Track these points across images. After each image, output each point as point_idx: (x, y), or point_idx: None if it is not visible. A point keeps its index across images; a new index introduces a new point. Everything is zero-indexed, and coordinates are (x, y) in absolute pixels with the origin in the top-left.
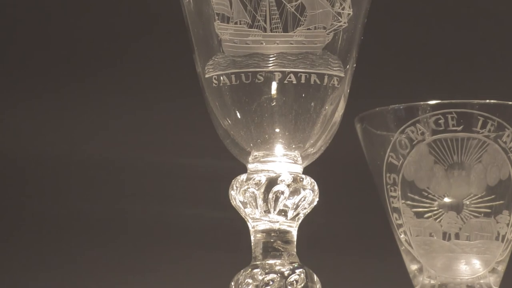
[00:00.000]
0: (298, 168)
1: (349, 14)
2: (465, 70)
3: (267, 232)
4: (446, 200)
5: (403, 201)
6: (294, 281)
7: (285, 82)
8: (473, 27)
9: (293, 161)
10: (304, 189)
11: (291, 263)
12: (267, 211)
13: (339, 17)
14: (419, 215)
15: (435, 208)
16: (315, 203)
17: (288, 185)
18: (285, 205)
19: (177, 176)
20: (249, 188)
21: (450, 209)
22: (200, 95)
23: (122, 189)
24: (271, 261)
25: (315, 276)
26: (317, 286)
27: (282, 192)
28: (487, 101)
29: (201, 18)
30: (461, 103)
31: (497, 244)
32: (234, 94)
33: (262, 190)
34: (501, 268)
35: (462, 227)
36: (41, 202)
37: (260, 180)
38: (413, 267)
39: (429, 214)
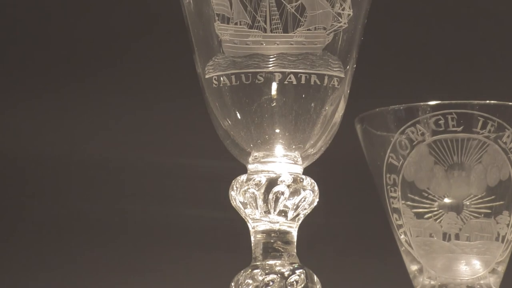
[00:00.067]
0: (298, 169)
1: (349, 14)
2: (465, 70)
3: (267, 232)
4: (446, 200)
5: (403, 202)
6: (294, 282)
7: (285, 82)
8: (473, 27)
9: (293, 162)
10: (304, 189)
11: (291, 263)
12: (267, 212)
13: (339, 18)
14: (419, 215)
15: (435, 209)
16: (315, 203)
17: (288, 186)
18: (285, 206)
19: (177, 177)
20: (249, 188)
21: (450, 209)
22: (200, 96)
23: (122, 189)
24: (271, 262)
25: (315, 276)
26: (317, 287)
27: (282, 193)
28: (487, 101)
29: (201, 19)
30: (461, 103)
31: (497, 245)
32: (234, 95)
33: (262, 190)
34: (501, 268)
35: (462, 228)
36: (41, 202)
37: (260, 181)
38: (413, 267)
39: (429, 214)
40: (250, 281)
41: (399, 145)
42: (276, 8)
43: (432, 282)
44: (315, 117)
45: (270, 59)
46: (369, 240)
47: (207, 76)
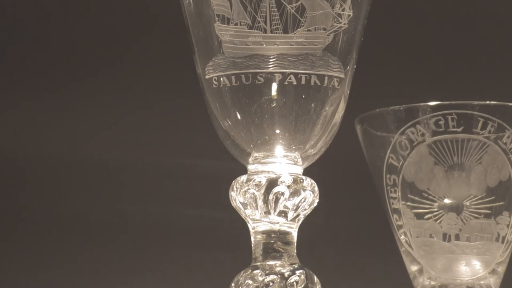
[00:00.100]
0: (298, 169)
1: (349, 15)
2: (465, 70)
3: (267, 233)
4: (446, 201)
5: (403, 202)
6: (294, 282)
7: (285, 83)
8: (473, 27)
9: (293, 162)
10: (304, 190)
11: (291, 264)
12: (267, 212)
13: (339, 18)
14: (419, 216)
15: (435, 209)
16: (315, 204)
17: (288, 186)
18: (285, 206)
19: (177, 177)
20: (249, 189)
21: (450, 210)
22: (200, 96)
23: (122, 189)
24: (271, 262)
25: (315, 277)
26: (317, 287)
27: (282, 193)
28: (487, 102)
29: (201, 19)
30: (461, 104)
31: (497, 245)
32: (234, 95)
33: (262, 191)
34: (501, 269)
35: (462, 228)
36: (41, 202)
37: (260, 181)
38: (413, 268)
39: (429, 215)
40: (250, 282)
41: (399, 146)
42: (276, 9)
43: (432, 283)
44: (315, 117)
45: (270, 60)
46: (369, 241)
47: (207, 77)
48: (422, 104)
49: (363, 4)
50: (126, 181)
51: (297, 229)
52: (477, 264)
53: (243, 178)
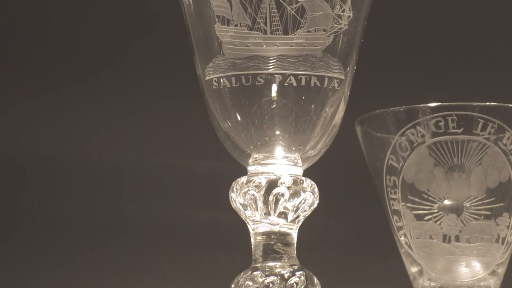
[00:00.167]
0: (298, 171)
1: (349, 16)
2: (465, 71)
3: (267, 234)
4: (446, 202)
5: (403, 204)
6: (294, 284)
7: (285, 84)
8: (473, 27)
9: (293, 164)
10: (304, 191)
11: (291, 265)
12: (267, 214)
13: (339, 20)
14: (419, 217)
15: (435, 211)
16: (315, 205)
17: (288, 188)
18: (285, 208)
19: (177, 178)
20: (249, 190)
21: (450, 211)
22: (200, 96)
23: (122, 189)
24: (271, 264)
25: (315, 278)
26: None
27: (282, 195)
28: (487, 103)
29: (201, 21)
30: (461, 105)
31: (497, 247)
32: (234, 97)
33: (262, 192)
34: (501, 270)
35: (462, 230)
36: (41, 202)
37: (260, 183)
38: (413, 269)
39: (429, 216)
40: (250, 283)
41: (399, 147)
42: (276, 10)
43: (432, 284)
44: (315, 118)
45: (270, 61)
46: (369, 242)
47: (207, 78)
48: (422, 105)
49: (363, 5)
50: (126, 181)
51: (297, 230)
52: (477, 266)
53: (243, 179)
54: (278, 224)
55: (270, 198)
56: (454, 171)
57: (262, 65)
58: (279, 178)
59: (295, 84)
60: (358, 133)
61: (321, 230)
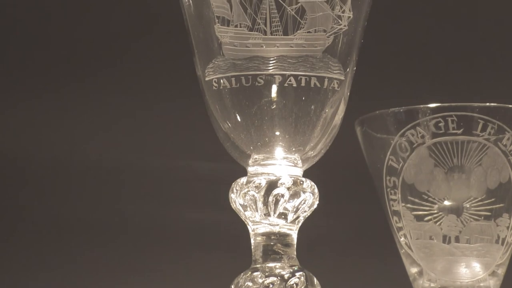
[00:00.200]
0: (298, 171)
1: (349, 17)
2: (465, 71)
3: (267, 235)
4: (446, 203)
5: (403, 204)
6: (294, 284)
7: (285, 85)
8: (473, 27)
9: (293, 164)
10: (304, 192)
11: (291, 266)
12: (267, 214)
13: (339, 20)
14: (419, 218)
15: (435, 211)
16: (315, 206)
17: (288, 188)
18: (285, 208)
19: (177, 178)
20: (249, 191)
21: (450, 212)
22: (201, 97)
23: (122, 189)
24: (271, 264)
25: (315, 279)
26: None
27: (282, 195)
28: (487, 104)
29: (201, 21)
30: (461, 106)
31: (497, 247)
32: (234, 97)
33: (262, 193)
34: (501, 271)
35: (462, 230)
36: (41, 202)
37: (260, 183)
38: (413, 270)
39: (429, 217)
40: (250, 284)
41: (399, 148)
42: (276, 11)
43: (432, 285)
44: (315, 119)
45: (270, 62)
46: (369, 243)
47: (207, 79)
48: (422, 106)
49: (363, 6)
50: (126, 181)
51: (297, 231)
52: (477, 266)
53: (243, 180)
54: (278, 224)
55: (270, 199)
56: (454, 171)
57: (262, 66)
58: (279, 179)
59: (295, 85)
60: (358, 134)
61: (321, 231)
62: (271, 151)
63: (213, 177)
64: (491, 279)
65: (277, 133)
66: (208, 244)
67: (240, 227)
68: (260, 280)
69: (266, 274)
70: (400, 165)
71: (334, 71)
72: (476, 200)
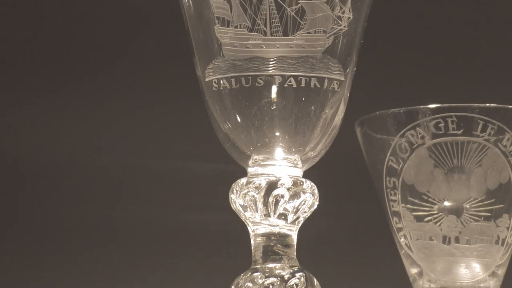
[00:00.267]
0: (298, 172)
1: (349, 18)
2: (465, 71)
3: (267, 235)
4: (446, 203)
5: (403, 205)
6: (294, 285)
7: (285, 85)
8: (473, 27)
9: (293, 165)
10: (304, 192)
11: (291, 266)
12: (267, 215)
13: (339, 21)
14: (419, 218)
15: (435, 212)
16: (315, 206)
17: (288, 189)
18: (285, 209)
19: (177, 179)
20: (249, 191)
21: (450, 212)
22: (201, 98)
23: (122, 190)
24: (271, 265)
25: (315, 280)
26: None
27: (282, 196)
28: (487, 105)
29: (201, 22)
30: (461, 106)
31: (497, 248)
32: (234, 98)
33: (262, 193)
34: (501, 271)
35: (462, 231)
36: (41, 203)
37: (260, 184)
38: (413, 270)
39: (429, 217)
40: (250, 284)
41: (399, 148)
42: (276, 11)
43: (432, 285)
44: (315, 120)
45: (270, 62)
46: (369, 243)
47: (207, 79)
48: (422, 106)
49: (363, 7)
50: (126, 181)
51: (297, 232)
52: (477, 267)
53: (243, 180)
54: (278, 225)
55: (270, 199)
56: (454, 172)
57: (262, 67)
58: (279, 180)
59: (295, 86)
60: (358, 135)
61: (321, 231)
62: (271, 151)
63: (213, 178)
64: (491, 280)
65: (277, 133)
66: (208, 244)
67: (240, 228)
68: (260, 281)
69: (266, 274)
70: (400, 165)
71: (334, 72)
72: (476, 200)
